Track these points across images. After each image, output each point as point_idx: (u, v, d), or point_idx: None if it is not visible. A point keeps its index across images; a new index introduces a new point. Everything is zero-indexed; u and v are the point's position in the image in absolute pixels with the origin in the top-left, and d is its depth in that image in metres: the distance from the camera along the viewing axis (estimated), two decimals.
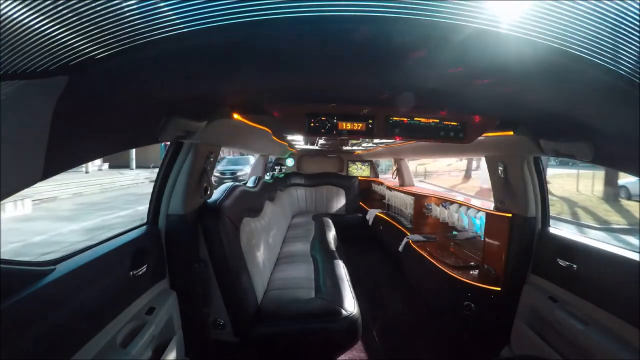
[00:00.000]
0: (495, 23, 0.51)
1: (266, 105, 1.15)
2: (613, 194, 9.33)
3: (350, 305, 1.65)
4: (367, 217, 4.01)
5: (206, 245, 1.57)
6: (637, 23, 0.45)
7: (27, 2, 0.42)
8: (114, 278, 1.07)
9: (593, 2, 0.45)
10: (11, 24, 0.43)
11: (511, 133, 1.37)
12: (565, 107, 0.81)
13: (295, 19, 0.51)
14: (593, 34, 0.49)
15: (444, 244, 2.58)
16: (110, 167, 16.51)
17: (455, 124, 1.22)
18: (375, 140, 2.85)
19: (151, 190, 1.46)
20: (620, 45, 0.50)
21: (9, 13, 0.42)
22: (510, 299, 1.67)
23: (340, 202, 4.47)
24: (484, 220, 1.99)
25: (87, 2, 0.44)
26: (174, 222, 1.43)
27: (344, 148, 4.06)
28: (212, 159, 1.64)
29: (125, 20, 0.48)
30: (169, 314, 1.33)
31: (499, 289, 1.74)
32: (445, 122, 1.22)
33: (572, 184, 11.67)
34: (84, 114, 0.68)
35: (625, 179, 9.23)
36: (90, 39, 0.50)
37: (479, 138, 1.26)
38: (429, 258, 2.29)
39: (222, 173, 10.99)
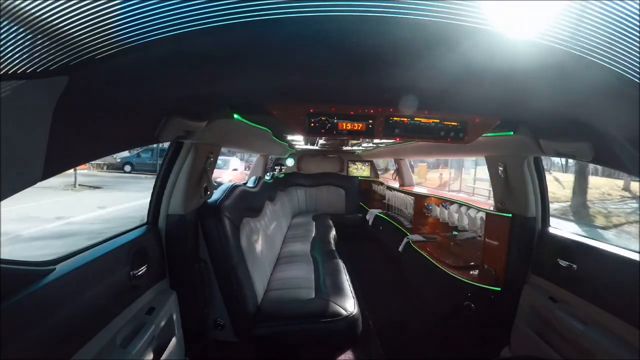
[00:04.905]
0: (495, 23, 0.51)
1: (266, 105, 1.15)
2: None
3: (350, 305, 1.65)
4: (367, 217, 4.00)
5: (206, 245, 1.57)
6: (637, 23, 0.45)
7: (28, 2, 0.42)
8: (114, 278, 1.07)
9: (593, 2, 0.45)
10: (11, 24, 0.43)
11: (511, 133, 1.37)
12: (566, 107, 0.82)
13: (296, 19, 0.51)
14: (593, 34, 0.49)
15: (444, 244, 2.58)
16: None
17: (455, 124, 1.22)
18: (376, 140, 2.85)
19: None
20: (620, 45, 0.50)
21: (9, 13, 0.42)
22: (510, 299, 1.66)
23: (340, 202, 4.47)
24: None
25: (87, 2, 0.44)
26: (174, 222, 1.43)
27: (344, 148, 4.06)
28: (212, 159, 1.64)
29: (125, 20, 0.48)
30: (169, 314, 1.33)
31: (499, 289, 1.74)
32: (445, 122, 1.22)
33: None
34: (84, 114, 0.68)
35: None
36: (90, 39, 0.50)
37: (479, 138, 1.26)
38: (429, 258, 2.29)
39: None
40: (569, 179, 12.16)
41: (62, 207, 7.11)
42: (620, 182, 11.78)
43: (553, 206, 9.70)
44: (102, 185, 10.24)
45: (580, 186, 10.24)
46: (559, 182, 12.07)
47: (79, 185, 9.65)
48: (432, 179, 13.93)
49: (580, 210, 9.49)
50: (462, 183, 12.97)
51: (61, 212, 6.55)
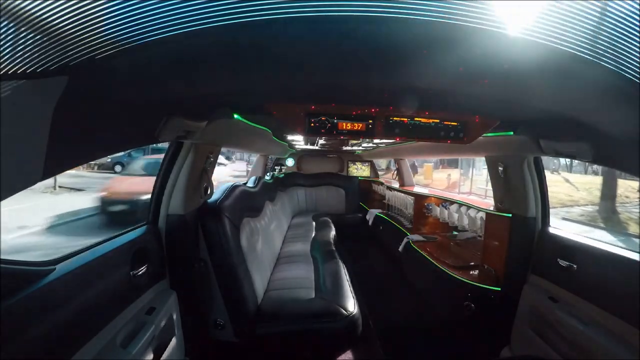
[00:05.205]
0: (495, 24, 0.51)
1: (266, 105, 1.15)
2: None
3: (350, 305, 1.65)
4: (367, 217, 4.00)
5: (206, 245, 1.57)
6: (637, 23, 0.45)
7: (28, 2, 0.42)
8: (114, 278, 1.07)
9: (593, 2, 0.45)
10: (11, 23, 0.43)
11: (511, 133, 1.37)
12: (566, 107, 0.81)
13: (296, 19, 0.51)
14: (593, 34, 0.49)
15: (444, 244, 2.58)
16: None
17: (456, 124, 1.22)
18: (376, 140, 2.85)
19: None
20: (620, 45, 0.50)
21: (9, 13, 0.42)
22: (510, 299, 1.67)
23: (340, 202, 4.47)
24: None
25: (87, 2, 0.44)
26: (174, 222, 1.43)
27: (344, 148, 4.06)
28: (212, 159, 1.64)
29: (125, 20, 0.48)
30: (169, 314, 1.33)
31: (499, 289, 1.74)
32: (445, 122, 1.22)
33: None
34: (84, 114, 0.68)
35: None
36: (90, 39, 0.50)
37: (479, 138, 1.26)
38: (429, 258, 2.29)
39: None
40: (577, 179, 11.65)
41: (32, 213, 6.10)
42: (634, 183, 10.66)
43: (575, 211, 8.80)
44: (86, 188, 9.03)
45: (610, 189, 8.98)
46: (571, 183, 11.40)
47: (59, 187, 8.55)
48: (439, 180, 12.81)
49: (611, 217, 8.45)
50: (472, 184, 11.88)
51: (28, 220, 5.68)
